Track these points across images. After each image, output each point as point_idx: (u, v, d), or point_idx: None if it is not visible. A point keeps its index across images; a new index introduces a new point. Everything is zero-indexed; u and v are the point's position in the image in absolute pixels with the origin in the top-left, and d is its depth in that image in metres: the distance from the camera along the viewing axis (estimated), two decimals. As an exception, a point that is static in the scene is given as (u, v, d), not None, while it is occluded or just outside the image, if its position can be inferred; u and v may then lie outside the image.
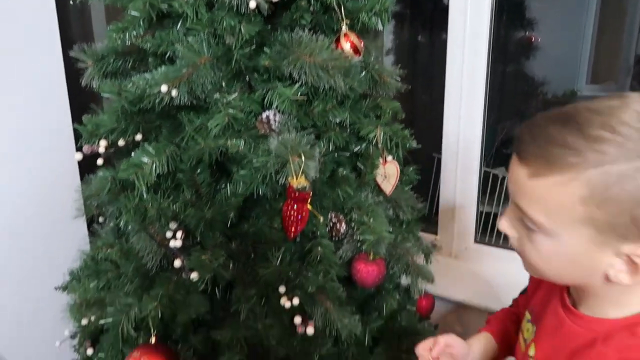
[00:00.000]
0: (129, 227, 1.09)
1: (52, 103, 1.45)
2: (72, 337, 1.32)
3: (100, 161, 1.11)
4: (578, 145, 0.52)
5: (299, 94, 1.04)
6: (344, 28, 1.06)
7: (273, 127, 1.07)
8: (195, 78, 0.99)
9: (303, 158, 0.96)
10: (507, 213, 0.64)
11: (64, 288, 1.37)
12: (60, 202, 1.51)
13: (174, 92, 0.98)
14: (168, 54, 1.07)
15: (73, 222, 1.54)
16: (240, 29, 0.99)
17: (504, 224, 0.64)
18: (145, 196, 1.05)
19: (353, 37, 1.06)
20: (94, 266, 1.13)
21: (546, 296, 0.74)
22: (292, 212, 1.01)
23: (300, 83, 1.04)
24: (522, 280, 0.88)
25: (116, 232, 1.30)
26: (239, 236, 1.07)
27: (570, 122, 0.54)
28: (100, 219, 1.37)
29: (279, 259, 1.03)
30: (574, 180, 0.53)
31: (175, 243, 1.00)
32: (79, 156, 1.10)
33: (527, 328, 0.77)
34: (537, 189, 0.56)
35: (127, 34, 1.08)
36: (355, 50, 1.06)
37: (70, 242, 1.55)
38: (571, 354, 0.64)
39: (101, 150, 1.10)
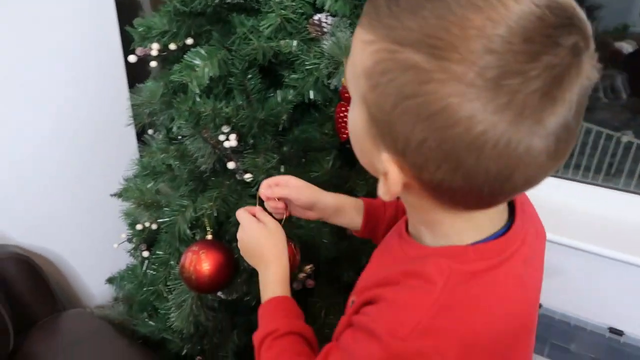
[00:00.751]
0: (183, 131, 1.11)
1: (99, 10, 1.45)
2: (129, 240, 1.40)
3: (153, 63, 1.11)
4: (397, 6, 0.41)
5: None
6: None
7: (325, 29, 1.05)
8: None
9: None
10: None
11: (119, 195, 1.43)
12: (110, 111, 1.54)
13: (226, -10, 0.96)
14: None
15: (123, 131, 1.59)
16: None
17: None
18: (198, 99, 1.06)
19: None
20: (150, 169, 1.16)
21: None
22: (344, 114, 1.01)
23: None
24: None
25: (168, 140, 1.33)
26: (289, 141, 1.07)
27: None
28: (150, 131, 1.40)
29: (330, 163, 1.04)
30: (371, 44, 0.42)
31: (230, 144, 1.01)
32: (133, 58, 1.10)
33: None
34: (354, 42, 0.45)
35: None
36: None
37: (121, 151, 1.60)
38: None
39: (154, 53, 1.10)
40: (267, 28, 1.00)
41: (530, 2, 0.38)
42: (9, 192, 1.41)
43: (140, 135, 1.56)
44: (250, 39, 1.01)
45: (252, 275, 1.08)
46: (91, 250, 1.62)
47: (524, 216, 0.54)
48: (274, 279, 0.74)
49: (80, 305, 1.57)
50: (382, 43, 0.41)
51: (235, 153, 1.05)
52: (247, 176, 1.02)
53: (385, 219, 0.81)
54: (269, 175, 1.02)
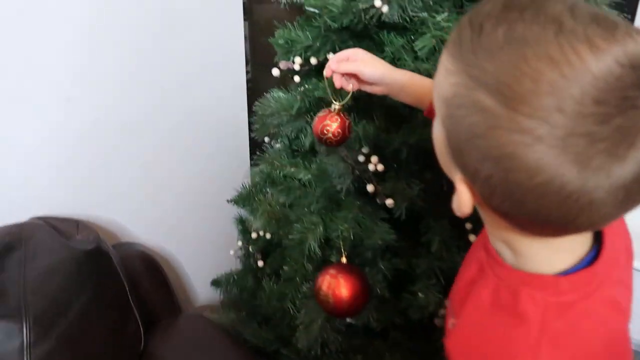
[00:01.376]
0: (321, 148, 1.09)
1: (227, 23, 1.46)
2: (245, 247, 1.41)
3: (297, 78, 1.10)
4: (478, 42, 0.41)
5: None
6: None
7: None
8: (404, -8, 0.92)
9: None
10: None
11: (236, 201, 1.45)
12: (228, 121, 1.56)
13: (385, 9, 0.93)
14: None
15: (236, 140, 1.61)
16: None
17: None
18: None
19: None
20: (280, 182, 1.15)
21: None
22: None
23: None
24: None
25: (291, 152, 1.32)
26: (431, 166, 1.03)
27: (506, 12, 0.41)
28: (266, 139, 1.40)
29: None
30: (452, 75, 0.44)
31: (376, 167, 0.98)
32: (276, 72, 1.10)
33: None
34: (440, 64, 0.47)
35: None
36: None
37: (235, 158, 1.62)
38: (468, 286, 0.57)
39: (296, 67, 1.09)
40: (421, 49, 0.96)
41: (613, 61, 0.37)
42: (135, 191, 1.46)
43: (256, 144, 1.57)
44: (404, 59, 0.98)
45: (383, 302, 1.05)
46: (197, 252, 1.65)
47: (612, 232, 0.52)
48: None
49: (184, 306, 1.61)
50: (462, 76, 0.42)
51: (375, 175, 1.02)
52: (389, 202, 0.99)
53: None
54: (412, 202, 0.99)
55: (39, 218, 1.18)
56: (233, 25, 1.48)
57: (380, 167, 0.98)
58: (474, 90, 0.41)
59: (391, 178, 1.01)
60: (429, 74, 0.97)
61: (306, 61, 1.10)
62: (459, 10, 0.98)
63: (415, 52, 0.99)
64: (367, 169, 1.03)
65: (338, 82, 0.84)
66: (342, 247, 1.02)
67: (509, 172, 0.40)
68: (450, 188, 1.04)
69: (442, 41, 0.96)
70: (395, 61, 1.01)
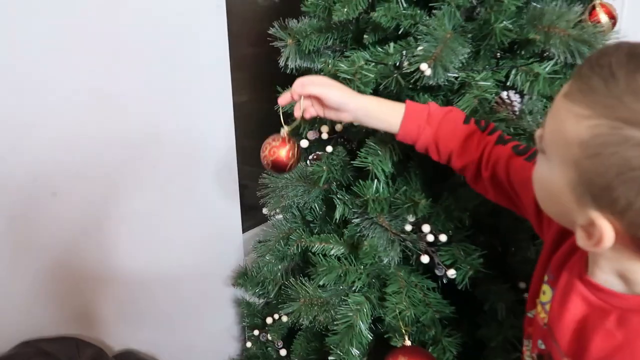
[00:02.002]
0: (359, 219, 1.01)
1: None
2: (263, 334, 1.26)
3: (329, 149, 1.02)
4: (616, 88, 0.46)
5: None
6: (600, -3, 0.96)
7: (515, 108, 0.98)
8: (444, 55, 0.89)
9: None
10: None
11: (237, 283, 1.31)
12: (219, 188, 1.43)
13: (428, 72, 0.89)
14: (401, 30, 0.98)
15: (229, 212, 1.47)
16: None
17: (536, 133, 0.58)
18: (381, 187, 0.97)
19: (609, 6, 0.96)
20: (318, 262, 1.04)
21: (565, 256, 0.66)
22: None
23: (554, 59, 0.94)
24: None
25: (303, 223, 1.23)
26: (483, 229, 0.98)
27: (636, 62, 0.46)
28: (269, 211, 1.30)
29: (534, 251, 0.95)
30: (588, 119, 0.47)
31: (437, 237, 0.92)
32: (305, 143, 1.01)
33: (544, 290, 0.68)
34: (561, 110, 0.51)
35: (352, 7, 0.98)
36: (612, 17, 0.95)
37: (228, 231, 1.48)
38: (578, 324, 0.59)
39: (324, 136, 1.02)
40: (463, 110, 0.93)
41: None
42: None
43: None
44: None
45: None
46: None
47: None
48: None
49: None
50: (602, 119, 0.46)
51: (429, 245, 0.95)
52: (451, 273, 0.92)
53: (429, 134, 0.82)
54: (475, 270, 0.93)
55: (27, 343, 0.96)
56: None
57: (443, 238, 0.91)
58: (623, 128, 0.45)
59: (445, 245, 0.94)
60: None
61: (332, 129, 1.04)
62: (494, 69, 0.97)
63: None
64: (417, 239, 0.96)
65: (298, 110, 0.84)
66: (402, 327, 0.93)
67: None
68: (504, 248, 0.99)
69: (482, 100, 0.94)
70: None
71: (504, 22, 0.90)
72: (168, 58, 1.16)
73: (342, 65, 0.95)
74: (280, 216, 1.28)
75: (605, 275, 0.57)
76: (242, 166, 1.44)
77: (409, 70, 0.89)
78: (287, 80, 1.01)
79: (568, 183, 0.51)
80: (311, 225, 1.20)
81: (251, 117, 1.70)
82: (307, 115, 0.85)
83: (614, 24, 0.96)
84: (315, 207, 1.19)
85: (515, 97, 0.99)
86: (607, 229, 0.49)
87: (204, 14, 1.24)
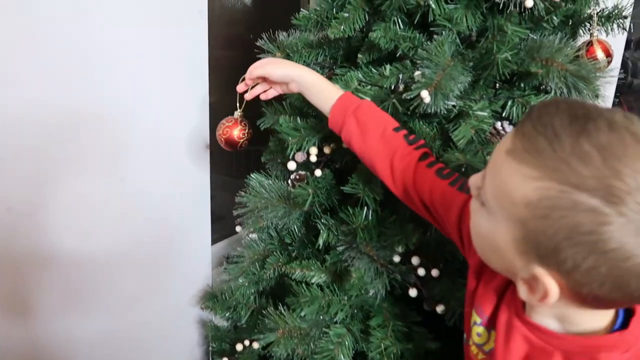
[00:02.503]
0: (343, 248, 0.95)
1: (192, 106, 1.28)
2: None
3: (318, 172, 0.97)
4: (562, 151, 0.46)
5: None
6: (596, 34, 0.96)
7: (509, 140, 0.96)
8: (445, 82, 0.86)
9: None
10: (480, 173, 0.58)
11: (206, 306, 1.23)
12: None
13: (427, 99, 0.85)
14: (399, 53, 0.94)
15: (198, 223, 1.39)
16: (506, 30, 0.87)
17: (471, 180, 0.58)
18: (370, 215, 0.92)
19: (605, 43, 0.95)
20: (299, 291, 0.98)
21: (496, 292, 0.67)
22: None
23: (551, 93, 0.92)
24: None
25: (281, 246, 1.16)
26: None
27: (578, 124, 0.47)
28: (238, 228, 1.23)
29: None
30: (536, 180, 0.47)
31: (430, 272, 0.88)
32: (292, 165, 0.95)
33: (478, 332, 0.68)
34: (504, 167, 0.50)
35: (348, 25, 0.94)
36: (608, 55, 0.95)
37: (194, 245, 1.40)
38: None
39: (312, 158, 0.96)
40: (459, 140, 0.90)
41: None
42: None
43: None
44: (434, 147, 0.91)
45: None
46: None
47: None
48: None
49: None
50: (549, 182, 0.46)
51: (418, 277, 0.91)
52: (440, 309, 0.88)
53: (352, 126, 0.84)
54: (460, 304, 0.89)
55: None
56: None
57: (435, 273, 0.87)
58: (573, 193, 0.45)
59: (432, 279, 0.91)
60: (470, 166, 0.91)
61: (320, 151, 0.98)
62: (491, 99, 0.94)
63: (448, 140, 0.93)
64: (406, 271, 0.92)
65: (248, 95, 0.93)
66: (387, 365, 0.88)
67: (617, 261, 0.44)
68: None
69: (479, 130, 0.92)
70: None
71: (506, 53, 0.88)
72: (148, 60, 1.11)
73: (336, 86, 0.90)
74: (254, 235, 1.22)
75: (542, 317, 0.57)
76: (213, 175, 1.38)
77: (408, 97, 0.85)
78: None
79: (513, 239, 0.51)
80: (289, 248, 1.14)
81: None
82: (251, 96, 0.93)
83: (609, 62, 0.96)
84: (295, 230, 1.13)
85: (510, 129, 0.97)
86: (552, 286, 0.49)
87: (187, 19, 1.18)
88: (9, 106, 0.90)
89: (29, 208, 0.98)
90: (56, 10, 0.92)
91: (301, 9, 1.06)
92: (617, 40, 1.05)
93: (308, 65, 1.06)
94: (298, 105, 1.10)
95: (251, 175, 1.18)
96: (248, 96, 0.93)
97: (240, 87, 0.93)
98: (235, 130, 1.00)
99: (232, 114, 1.02)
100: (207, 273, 1.45)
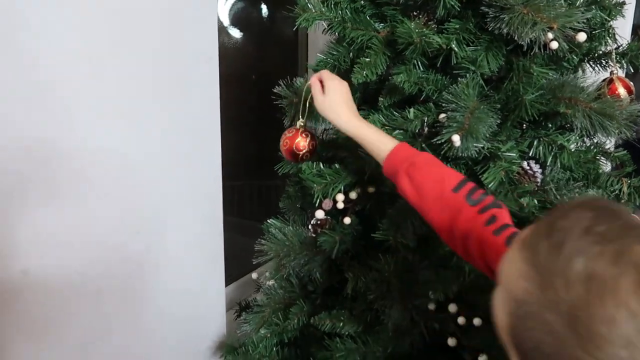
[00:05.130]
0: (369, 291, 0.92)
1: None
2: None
3: (347, 220, 0.94)
4: (563, 266, 0.42)
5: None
6: (617, 71, 0.96)
7: (538, 179, 0.95)
8: (474, 125, 0.85)
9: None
10: None
11: None
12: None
13: (458, 142, 0.84)
14: (422, 96, 0.93)
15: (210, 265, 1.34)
16: (532, 71, 0.87)
17: None
18: (402, 261, 0.90)
19: (626, 80, 0.96)
20: (339, 346, 0.94)
21: None
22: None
23: (577, 132, 0.92)
24: None
25: (303, 293, 1.13)
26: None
27: (594, 248, 0.41)
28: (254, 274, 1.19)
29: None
30: (527, 281, 0.44)
31: (457, 319, 0.85)
32: (320, 214, 0.93)
33: None
34: (513, 253, 0.47)
35: (370, 69, 0.93)
36: (630, 92, 0.96)
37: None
38: None
39: (340, 205, 0.94)
40: (489, 183, 0.88)
41: None
42: None
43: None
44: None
45: None
46: None
47: None
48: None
49: None
50: (535, 288, 0.42)
51: (457, 326, 0.88)
52: (483, 359, 0.85)
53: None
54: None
55: None
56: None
57: (476, 322, 0.84)
58: (547, 309, 0.41)
59: (472, 327, 0.88)
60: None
61: (346, 197, 0.96)
62: (518, 140, 0.94)
63: (477, 182, 0.91)
64: (444, 319, 0.89)
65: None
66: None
67: None
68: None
69: (508, 172, 0.91)
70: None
71: (533, 94, 0.87)
72: (161, 103, 1.09)
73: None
74: (273, 282, 1.18)
75: None
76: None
77: (439, 141, 0.84)
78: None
79: (504, 325, 0.47)
80: (312, 295, 1.11)
81: (237, 156, 1.62)
82: None
83: (632, 99, 0.96)
84: (317, 277, 1.10)
85: (537, 168, 0.96)
86: None
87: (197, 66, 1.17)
88: None
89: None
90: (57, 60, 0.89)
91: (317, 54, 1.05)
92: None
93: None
94: (319, 150, 1.09)
95: (268, 221, 1.16)
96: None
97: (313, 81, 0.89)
98: (295, 141, 0.93)
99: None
100: (220, 322, 1.40)
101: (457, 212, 0.74)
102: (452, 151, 0.85)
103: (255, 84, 1.77)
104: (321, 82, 0.88)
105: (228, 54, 1.66)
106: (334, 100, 0.86)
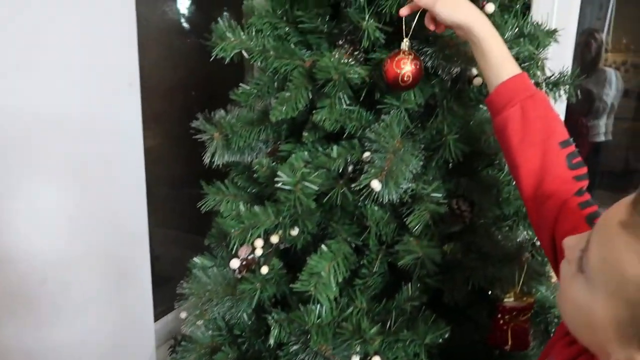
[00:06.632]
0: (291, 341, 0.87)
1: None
2: None
3: (265, 270, 0.88)
4: None
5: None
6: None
7: (466, 217, 0.91)
8: (396, 168, 0.80)
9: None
10: (580, 236, 0.53)
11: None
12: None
13: (378, 187, 0.79)
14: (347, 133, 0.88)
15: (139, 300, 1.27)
16: (456, 110, 0.82)
17: (567, 242, 0.54)
18: (324, 312, 0.84)
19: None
20: None
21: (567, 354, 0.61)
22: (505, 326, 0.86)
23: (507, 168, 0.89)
24: None
25: (230, 337, 1.06)
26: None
27: None
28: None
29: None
30: None
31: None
32: (235, 264, 0.86)
33: None
34: (616, 241, 0.46)
35: (290, 105, 0.87)
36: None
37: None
38: None
39: (258, 252, 0.88)
40: (415, 227, 0.84)
41: None
42: None
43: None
44: (386, 233, 0.85)
45: None
46: None
47: None
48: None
49: None
50: None
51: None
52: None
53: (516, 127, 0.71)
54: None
55: None
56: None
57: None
58: None
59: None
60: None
61: (267, 242, 0.90)
62: (445, 178, 0.89)
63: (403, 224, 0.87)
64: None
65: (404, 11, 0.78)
66: None
67: None
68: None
69: (435, 214, 0.86)
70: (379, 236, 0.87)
71: (457, 133, 0.83)
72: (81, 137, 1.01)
73: (282, 175, 0.83)
74: (201, 323, 1.11)
75: None
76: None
77: (357, 187, 0.79)
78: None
79: (614, 318, 0.46)
80: (239, 340, 1.04)
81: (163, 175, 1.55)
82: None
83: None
84: (244, 319, 1.03)
85: (465, 207, 0.92)
86: None
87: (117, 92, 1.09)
88: None
89: None
90: None
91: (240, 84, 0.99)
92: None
93: (249, 145, 0.99)
94: (242, 185, 1.02)
95: (194, 259, 1.09)
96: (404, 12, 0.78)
97: (403, 11, 0.79)
98: (397, 65, 0.79)
99: None
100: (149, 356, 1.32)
101: (553, 166, 0.69)
102: (372, 197, 0.80)
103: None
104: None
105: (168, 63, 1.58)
106: None
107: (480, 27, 0.74)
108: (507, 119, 0.71)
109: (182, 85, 1.66)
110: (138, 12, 1.09)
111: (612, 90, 2.32)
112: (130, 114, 1.14)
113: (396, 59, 0.80)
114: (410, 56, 0.80)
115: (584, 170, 0.70)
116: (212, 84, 1.55)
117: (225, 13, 1.04)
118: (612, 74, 2.33)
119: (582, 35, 2.35)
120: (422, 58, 0.83)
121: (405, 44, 0.81)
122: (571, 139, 0.71)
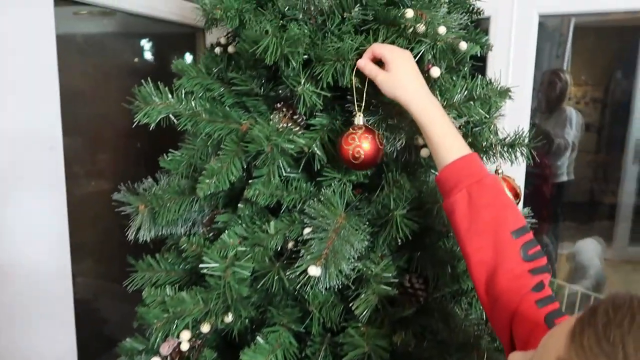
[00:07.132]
0: None
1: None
2: None
3: None
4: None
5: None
6: (501, 170, 0.86)
7: (420, 297, 0.82)
8: (338, 249, 0.71)
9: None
10: (523, 355, 0.48)
11: None
12: None
13: (317, 273, 0.70)
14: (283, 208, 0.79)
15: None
16: (402, 183, 0.74)
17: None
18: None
19: (511, 180, 0.86)
20: None
21: None
22: None
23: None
24: None
25: None
26: None
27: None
28: None
29: None
30: None
31: None
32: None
33: None
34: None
35: (221, 178, 0.78)
36: (516, 196, 0.86)
37: None
38: None
39: (184, 347, 0.77)
40: (361, 314, 0.75)
41: None
42: None
43: None
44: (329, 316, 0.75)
45: None
46: None
47: None
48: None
49: None
50: None
51: None
52: None
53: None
54: None
55: None
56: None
57: None
58: None
59: None
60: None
61: (196, 333, 0.79)
62: (395, 255, 0.81)
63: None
64: None
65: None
66: None
67: None
68: None
69: (383, 298, 0.77)
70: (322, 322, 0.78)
71: (405, 209, 0.75)
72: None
73: (209, 261, 0.73)
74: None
75: None
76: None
77: (293, 274, 0.69)
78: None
79: None
80: None
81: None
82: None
83: (517, 201, 0.87)
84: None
85: (419, 284, 0.83)
86: None
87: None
88: None
89: None
90: None
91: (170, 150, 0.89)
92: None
93: (181, 216, 0.89)
94: (174, 261, 0.92)
95: (125, 341, 0.97)
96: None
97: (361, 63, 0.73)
98: (345, 141, 0.72)
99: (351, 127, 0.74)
100: None
101: (506, 259, 0.62)
102: (310, 284, 0.70)
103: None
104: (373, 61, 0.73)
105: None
106: (405, 70, 0.70)
107: (417, 108, 0.69)
108: (454, 204, 0.65)
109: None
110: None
111: (572, 129, 2.31)
112: (53, 176, 1.04)
113: (346, 133, 0.73)
114: (360, 130, 0.73)
115: (543, 261, 0.62)
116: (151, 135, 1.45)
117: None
118: (572, 113, 2.32)
119: (546, 75, 2.35)
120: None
121: (358, 117, 0.74)
122: (527, 226, 0.64)
